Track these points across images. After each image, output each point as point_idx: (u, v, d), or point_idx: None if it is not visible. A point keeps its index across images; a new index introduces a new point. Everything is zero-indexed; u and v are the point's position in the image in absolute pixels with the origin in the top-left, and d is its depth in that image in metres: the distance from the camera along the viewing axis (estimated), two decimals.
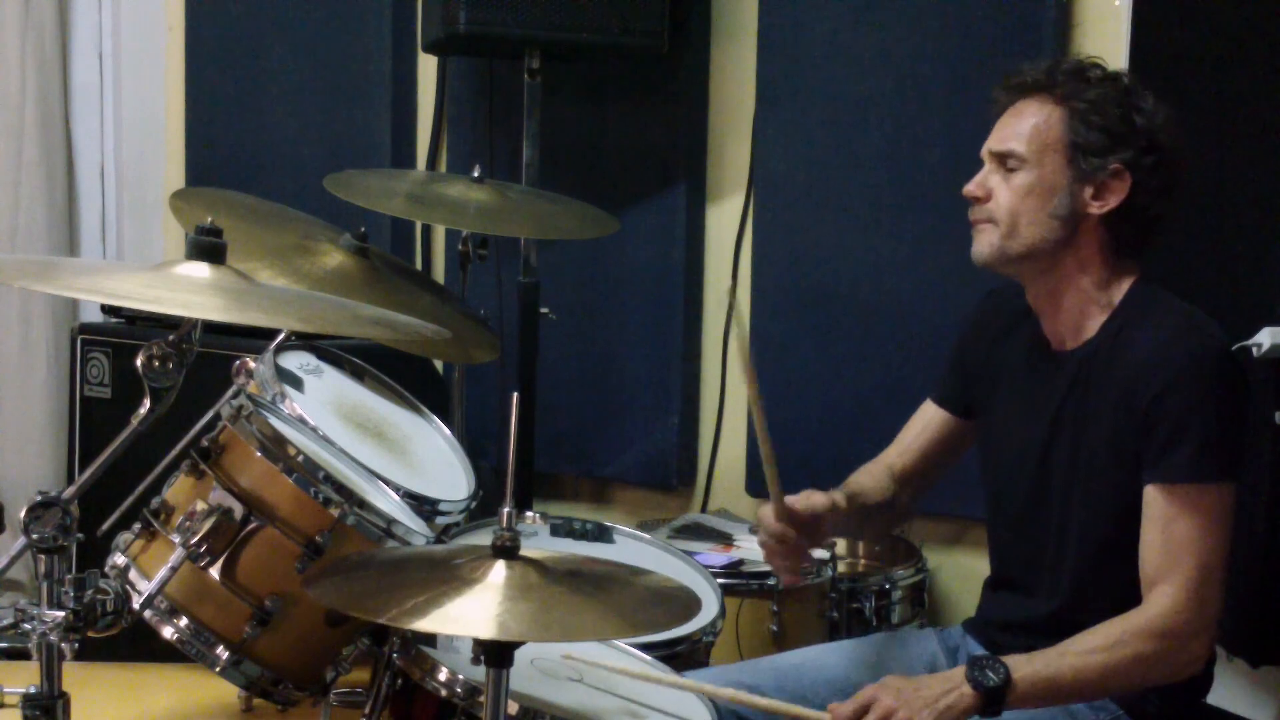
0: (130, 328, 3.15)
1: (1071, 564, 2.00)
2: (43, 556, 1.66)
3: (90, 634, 1.74)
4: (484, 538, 1.77)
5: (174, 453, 2.19)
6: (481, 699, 1.65)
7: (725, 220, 3.39)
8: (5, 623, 2.00)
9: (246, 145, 3.77)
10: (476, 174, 2.69)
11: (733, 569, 2.68)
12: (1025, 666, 1.84)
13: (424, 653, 1.80)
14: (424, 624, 1.47)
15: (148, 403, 1.72)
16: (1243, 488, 1.93)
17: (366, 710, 1.87)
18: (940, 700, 1.82)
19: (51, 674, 1.68)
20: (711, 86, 3.37)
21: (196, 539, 1.83)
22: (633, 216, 3.29)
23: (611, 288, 3.43)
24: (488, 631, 1.45)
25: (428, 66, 3.62)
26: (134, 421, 1.72)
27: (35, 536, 1.64)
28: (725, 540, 2.86)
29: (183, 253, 1.72)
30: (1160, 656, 1.86)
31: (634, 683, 1.93)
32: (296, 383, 2.29)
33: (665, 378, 3.40)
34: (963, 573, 3.11)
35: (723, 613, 2.24)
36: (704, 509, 3.36)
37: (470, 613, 1.48)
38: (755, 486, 3.29)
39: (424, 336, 1.93)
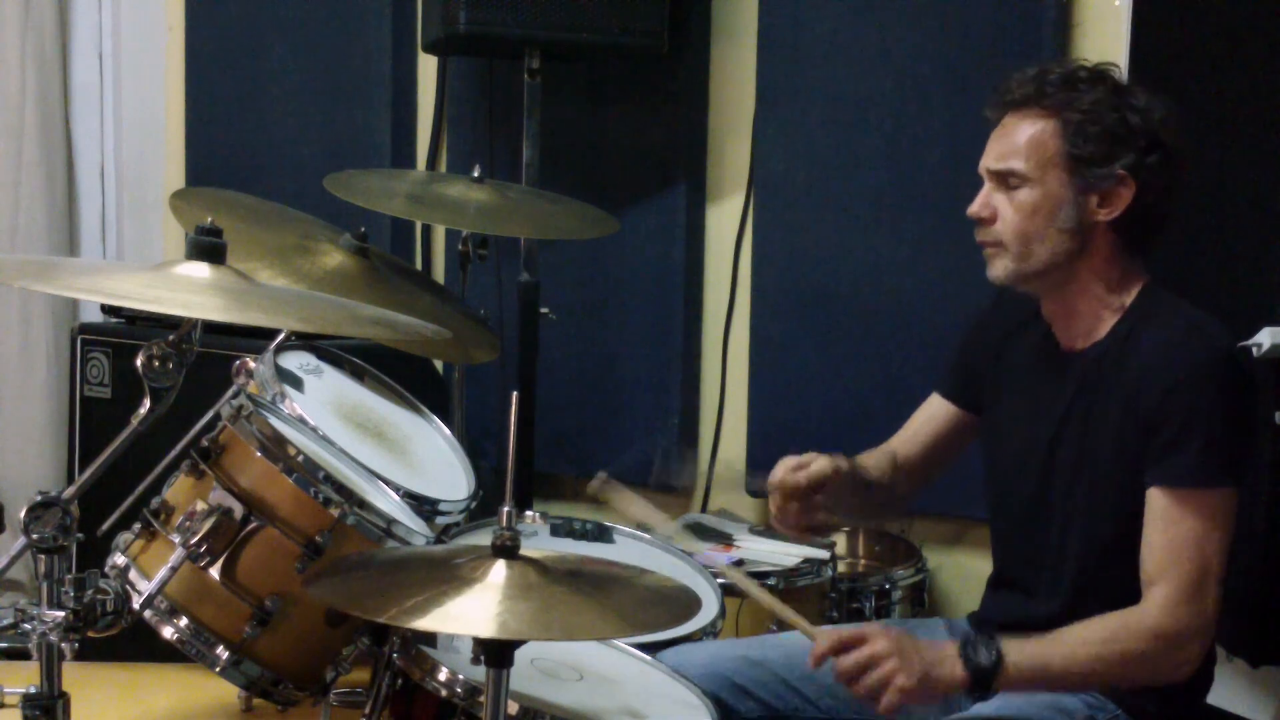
0: (130, 328, 3.15)
1: (1073, 564, 2.00)
2: (43, 556, 1.66)
3: (90, 634, 1.74)
4: (484, 538, 1.77)
5: (174, 453, 2.19)
6: (481, 699, 1.66)
7: (725, 220, 3.39)
8: (5, 623, 2.00)
9: (246, 145, 3.77)
10: (476, 174, 2.69)
11: (733, 569, 2.67)
12: (1017, 651, 1.84)
13: (424, 653, 1.80)
14: (424, 623, 1.47)
15: (148, 403, 1.72)
16: (1243, 488, 1.93)
17: (366, 710, 1.87)
18: (933, 668, 1.82)
19: (51, 674, 1.68)
20: (711, 86, 3.37)
21: (196, 539, 1.83)
22: (633, 216, 3.29)
23: (611, 288, 3.43)
24: (488, 630, 1.45)
25: (428, 66, 3.62)
26: (134, 421, 1.72)
27: (35, 536, 1.64)
28: (725, 540, 2.86)
29: (183, 253, 1.72)
30: (1153, 656, 1.86)
31: (634, 682, 1.93)
32: (296, 383, 2.29)
33: (665, 378, 3.40)
34: (963, 572, 3.11)
35: (723, 613, 2.24)
36: (704, 509, 3.36)
37: (470, 612, 1.48)
38: (755, 486, 3.28)
39: (424, 336, 1.93)
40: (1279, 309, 2.30)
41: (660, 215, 3.36)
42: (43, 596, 1.67)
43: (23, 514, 1.64)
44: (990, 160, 2.00)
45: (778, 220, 3.26)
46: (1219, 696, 2.13)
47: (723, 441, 3.41)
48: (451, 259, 3.43)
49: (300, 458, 1.88)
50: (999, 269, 1.99)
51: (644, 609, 1.59)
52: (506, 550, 1.55)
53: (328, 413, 2.26)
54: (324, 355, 2.43)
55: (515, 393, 1.72)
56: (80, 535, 1.67)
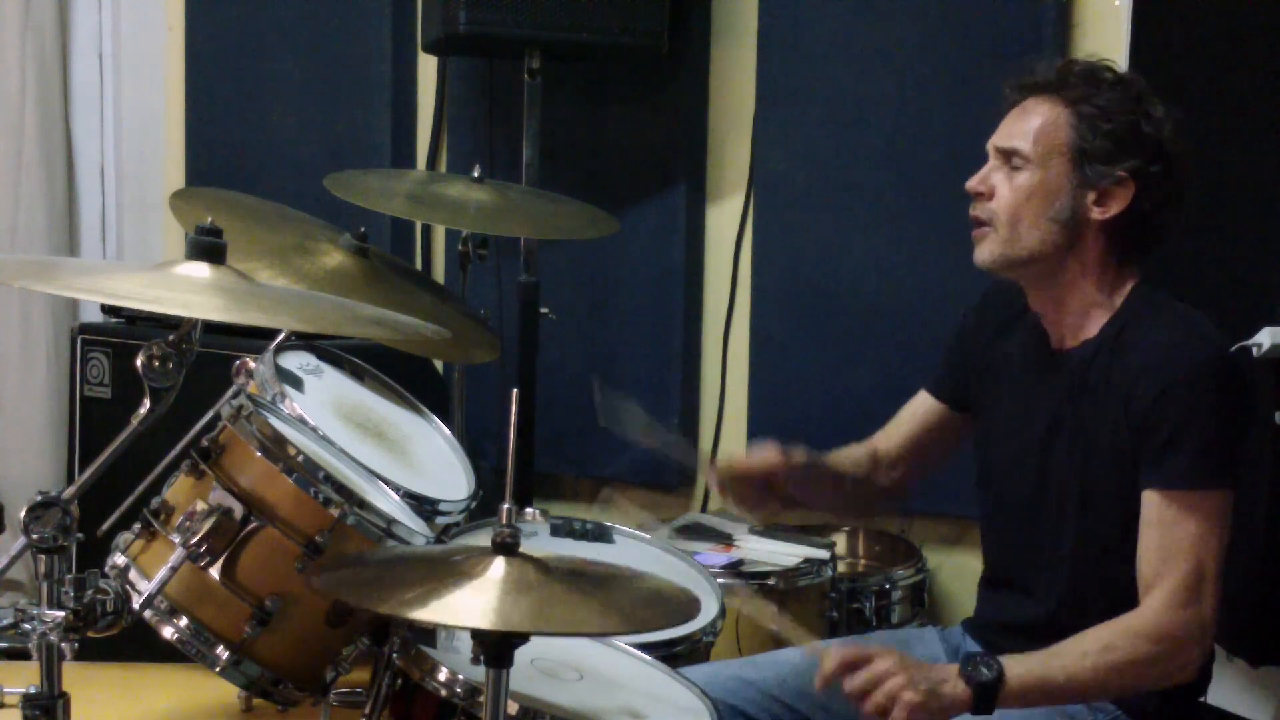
0: (130, 328, 3.15)
1: (1070, 565, 2.00)
2: (43, 556, 1.66)
3: (90, 634, 1.74)
4: (484, 538, 1.77)
5: (174, 453, 2.19)
6: (481, 699, 1.65)
7: (725, 220, 3.39)
8: (5, 623, 2.00)
9: (246, 145, 3.77)
10: (476, 174, 2.69)
11: (733, 569, 2.68)
12: (1018, 666, 1.84)
13: (424, 653, 1.79)
14: (423, 614, 1.46)
15: (148, 403, 1.71)
16: (1243, 488, 1.93)
17: (366, 710, 1.87)
18: (938, 686, 1.82)
19: (51, 674, 1.68)
20: (711, 86, 3.37)
21: (196, 539, 1.83)
22: (633, 216, 3.30)
23: (611, 288, 3.43)
24: (487, 622, 1.45)
25: (428, 66, 3.62)
26: (134, 421, 1.72)
27: (35, 536, 1.64)
28: (725, 540, 2.86)
29: (183, 253, 1.72)
30: (1153, 660, 1.85)
31: (634, 681, 1.93)
32: (296, 383, 2.29)
33: (665, 378, 3.40)
34: (963, 573, 3.11)
35: (723, 613, 2.24)
36: (704, 509, 3.36)
37: (470, 605, 1.47)
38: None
39: (424, 336, 1.93)
40: (1279, 309, 2.31)
41: (660, 215, 3.37)
42: (43, 596, 1.67)
43: (23, 514, 1.64)
44: (999, 138, 2.00)
45: (778, 220, 3.26)
46: (1219, 696, 2.14)
47: (723, 441, 3.41)
48: (451, 259, 3.43)
49: (300, 458, 1.87)
50: (985, 252, 2.00)
51: (644, 608, 1.59)
52: (506, 547, 1.55)
53: (328, 413, 2.26)
54: (324, 355, 2.43)
55: (515, 392, 1.72)
56: (80, 535, 1.67)
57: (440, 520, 2.20)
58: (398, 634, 1.83)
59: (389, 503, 2.07)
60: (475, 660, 1.55)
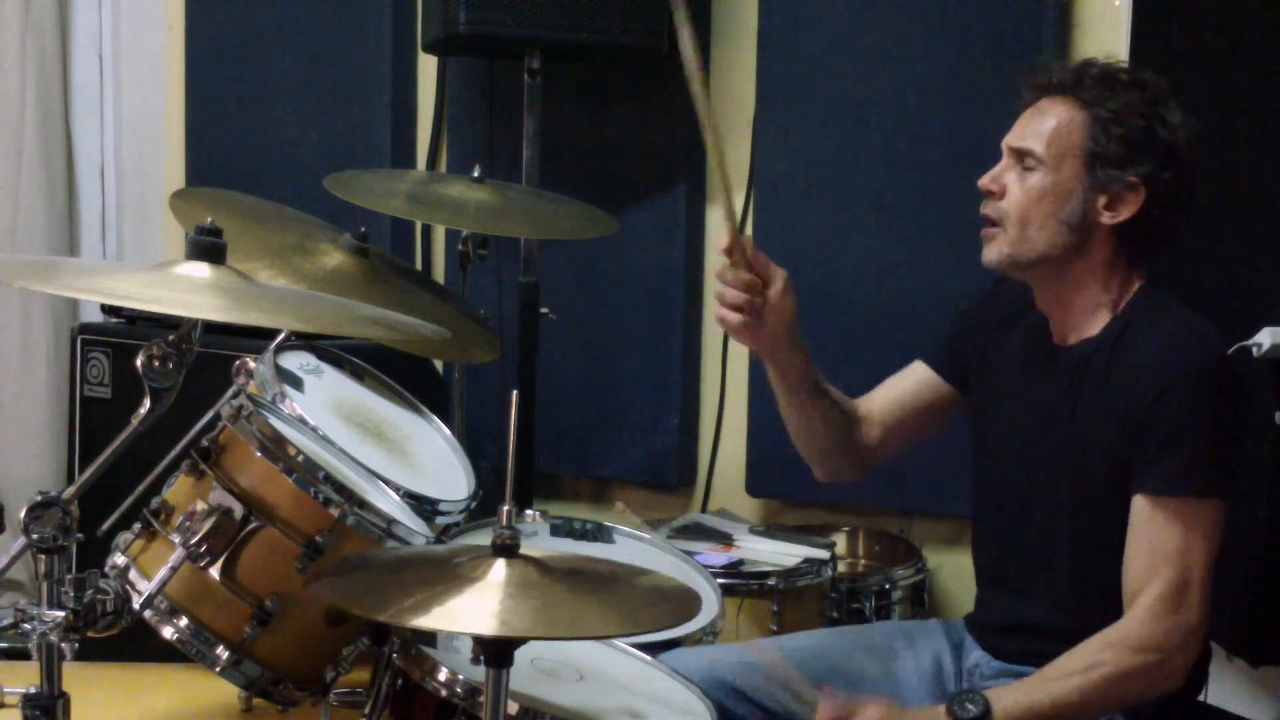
0: (130, 328, 3.15)
1: (1067, 565, 1.99)
2: (43, 556, 1.66)
3: (90, 634, 1.74)
4: (484, 537, 1.77)
5: (174, 453, 2.19)
6: (481, 699, 1.65)
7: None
8: (5, 623, 2.00)
9: (246, 145, 3.77)
10: (476, 174, 2.69)
11: (733, 569, 2.68)
12: (1005, 698, 1.84)
13: (424, 653, 1.80)
14: (425, 621, 1.47)
15: (148, 403, 1.72)
16: (1242, 488, 1.92)
17: (366, 710, 1.87)
18: None
19: (51, 674, 1.68)
20: (711, 87, 3.37)
21: (196, 539, 1.83)
22: (633, 216, 3.29)
23: (611, 288, 3.43)
24: (489, 629, 1.45)
25: (428, 66, 3.62)
26: (134, 421, 1.72)
27: (35, 536, 1.64)
28: (725, 540, 2.86)
29: (183, 253, 1.72)
30: (1138, 672, 1.84)
31: (634, 681, 1.93)
32: (296, 383, 2.29)
33: (665, 378, 3.40)
34: (963, 572, 3.10)
35: (723, 613, 2.24)
36: (704, 509, 3.36)
37: (471, 610, 1.47)
38: (755, 486, 3.29)
39: (424, 337, 1.93)
40: (1279, 309, 2.30)
41: (660, 215, 3.36)
42: (43, 596, 1.67)
43: (23, 514, 1.64)
44: (1013, 137, 2.00)
45: (778, 220, 3.26)
46: (1219, 696, 2.14)
47: (723, 441, 3.41)
48: (451, 259, 3.43)
49: (300, 458, 1.88)
50: (993, 252, 2.00)
51: (645, 608, 1.59)
52: (506, 549, 1.55)
53: (328, 413, 2.26)
54: (324, 355, 2.43)
55: (515, 392, 1.72)
56: (80, 535, 1.68)
57: (440, 520, 2.20)
58: (398, 634, 1.83)
59: (389, 503, 2.07)
60: (475, 660, 1.55)
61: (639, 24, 3.04)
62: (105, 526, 2.17)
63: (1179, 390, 1.87)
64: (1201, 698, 2.08)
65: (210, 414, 2.16)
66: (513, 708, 1.69)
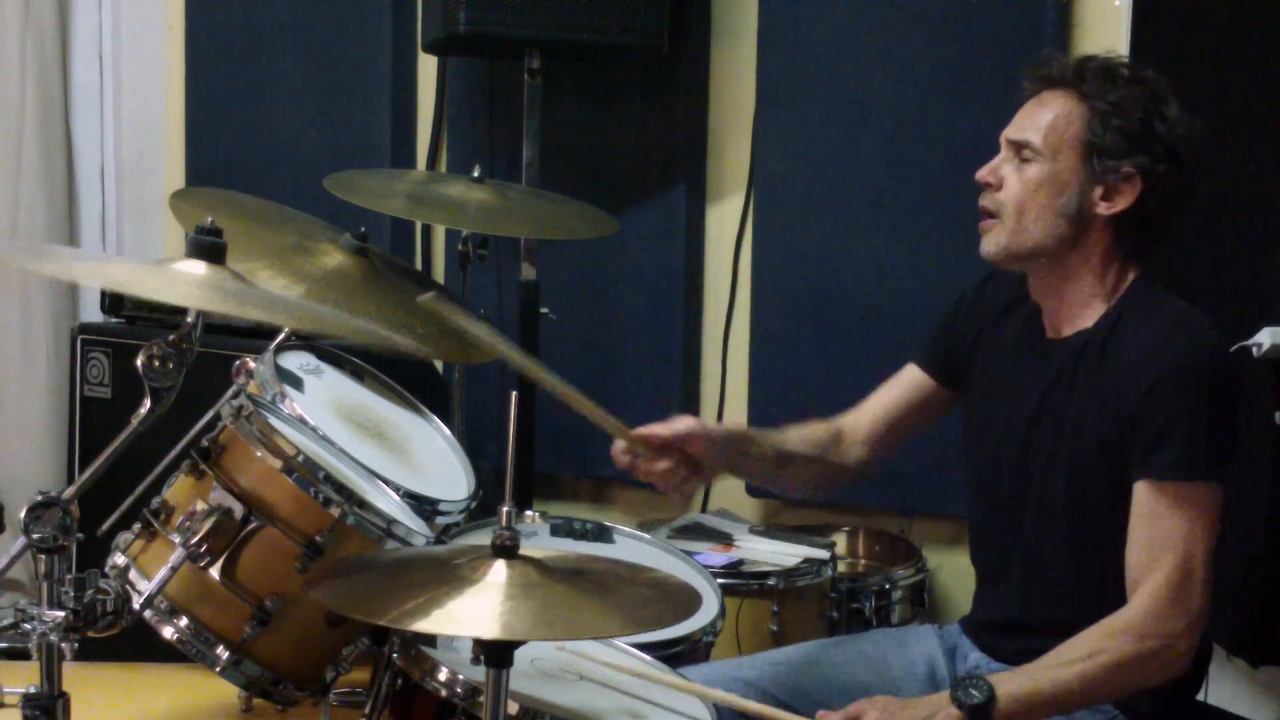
0: (130, 328, 3.15)
1: (1064, 557, 1.99)
2: (43, 556, 1.66)
3: (90, 634, 1.74)
4: (484, 538, 1.77)
5: (174, 453, 2.19)
6: (481, 699, 1.65)
7: (725, 220, 3.39)
8: (5, 623, 2.00)
9: (246, 145, 3.77)
10: (476, 174, 2.69)
11: (733, 569, 2.68)
12: (1009, 683, 1.83)
13: (424, 653, 1.79)
14: (425, 625, 1.47)
15: (148, 403, 1.72)
16: (1242, 488, 1.92)
17: (366, 710, 1.87)
18: (930, 718, 1.81)
19: (51, 674, 1.68)
20: (711, 86, 3.37)
21: (196, 539, 1.83)
22: (633, 216, 3.30)
23: (611, 288, 3.43)
24: (490, 631, 1.45)
25: (428, 66, 3.62)
26: (134, 421, 1.72)
27: (35, 536, 1.64)
28: (725, 540, 2.86)
29: (183, 252, 1.72)
30: (1142, 659, 1.84)
31: (634, 681, 1.93)
32: (296, 383, 2.29)
33: (665, 378, 3.40)
34: (963, 572, 3.10)
35: (723, 613, 2.24)
36: (704, 509, 3.36)
37: (471, 612, 1.48)
38: (755, 486, 3.28)
39: (412, 346, 1.92)
40: (1279, 309, 2.30)
41: (660, 215, 3.36)
42: (43, 596, 1.67)
43: (23, 514, 1.64)
44: (1011, 130, 2.01)
45: (778, 220, 3.26)
46: (1219, 696, 2.14)
47: None
48: (451, 259, 3.43)
49: (300, 458, 1.88)
50: (990, 244, 2.00)
51: (645, 607, 1.59)
52: (506, 550, 1.55)
53: (328, 413, 2.26)
54: (324, 355, 2.43)
55: (515, 393, 1.72)
56: (80, 535, 1.67)
57: (440, 520, 2.20)
58: (398, 634, 1.83)
59: (389, 503, 2.07)
60: (475, 660, 1.55)
61: (639, 24, 3.04)
62: (105, 526, 2.17)
63: (1173, 381, 1.87)
64: (1201, 697, 2.08)
65: (210, 414, 2.15)
66: (513, 708, 1.69)
